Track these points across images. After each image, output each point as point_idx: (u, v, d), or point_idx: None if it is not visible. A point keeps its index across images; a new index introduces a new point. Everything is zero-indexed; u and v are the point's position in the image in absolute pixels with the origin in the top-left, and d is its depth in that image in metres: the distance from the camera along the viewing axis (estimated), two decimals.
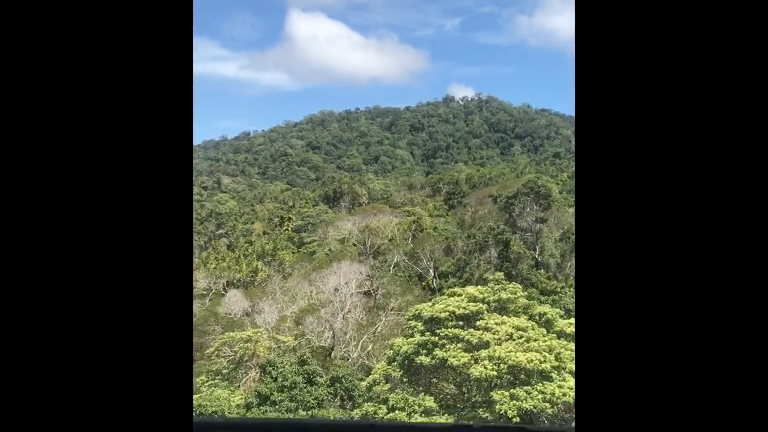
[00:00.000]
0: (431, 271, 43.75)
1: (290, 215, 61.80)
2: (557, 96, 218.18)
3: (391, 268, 43.95)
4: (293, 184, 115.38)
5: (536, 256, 39.14)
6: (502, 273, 24.53)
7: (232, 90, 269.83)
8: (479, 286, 20.91)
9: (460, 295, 19.66)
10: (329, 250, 50.29)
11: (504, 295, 19.29)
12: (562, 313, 21.00)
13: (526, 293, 21.26)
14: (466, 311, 18.42)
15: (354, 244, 50.09)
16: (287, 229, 58.64)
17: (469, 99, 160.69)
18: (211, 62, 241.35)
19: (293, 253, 50.72)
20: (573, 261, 35.59)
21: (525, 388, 16.03)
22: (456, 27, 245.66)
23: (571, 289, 29.74)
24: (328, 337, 30.59)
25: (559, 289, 33.95)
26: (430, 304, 19.82)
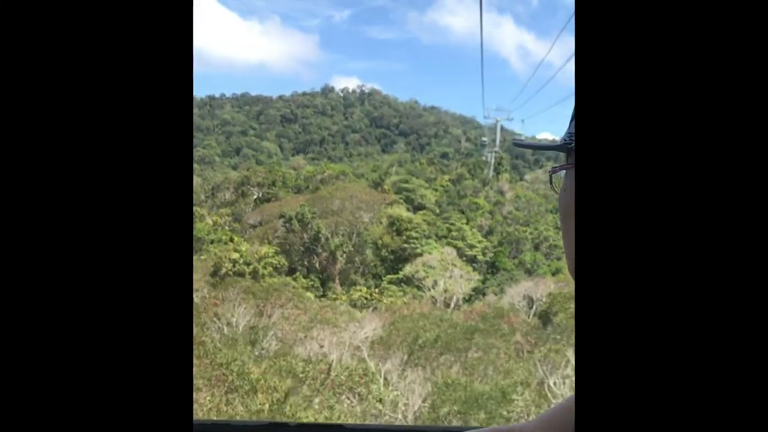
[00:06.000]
0: None
1: None
2: (448, 94, 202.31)
3: None
4: None
5: None
6: None
7: None
8: None
9: None
10: None
11: None
12: None
13: None
14: None
15: None
16: None
17: (350, 90, 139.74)
18: None
19: None
20: None
21: None
22: (345, 20, 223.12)
23: None
24: None
25: None
26: None
